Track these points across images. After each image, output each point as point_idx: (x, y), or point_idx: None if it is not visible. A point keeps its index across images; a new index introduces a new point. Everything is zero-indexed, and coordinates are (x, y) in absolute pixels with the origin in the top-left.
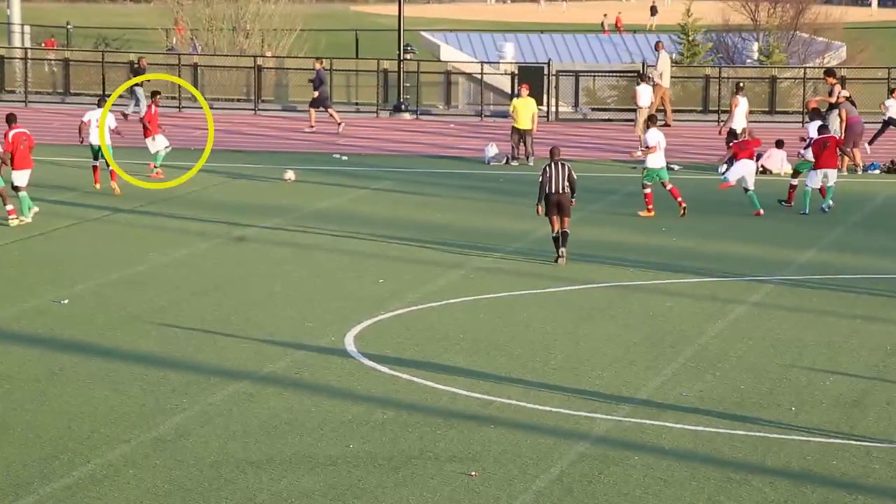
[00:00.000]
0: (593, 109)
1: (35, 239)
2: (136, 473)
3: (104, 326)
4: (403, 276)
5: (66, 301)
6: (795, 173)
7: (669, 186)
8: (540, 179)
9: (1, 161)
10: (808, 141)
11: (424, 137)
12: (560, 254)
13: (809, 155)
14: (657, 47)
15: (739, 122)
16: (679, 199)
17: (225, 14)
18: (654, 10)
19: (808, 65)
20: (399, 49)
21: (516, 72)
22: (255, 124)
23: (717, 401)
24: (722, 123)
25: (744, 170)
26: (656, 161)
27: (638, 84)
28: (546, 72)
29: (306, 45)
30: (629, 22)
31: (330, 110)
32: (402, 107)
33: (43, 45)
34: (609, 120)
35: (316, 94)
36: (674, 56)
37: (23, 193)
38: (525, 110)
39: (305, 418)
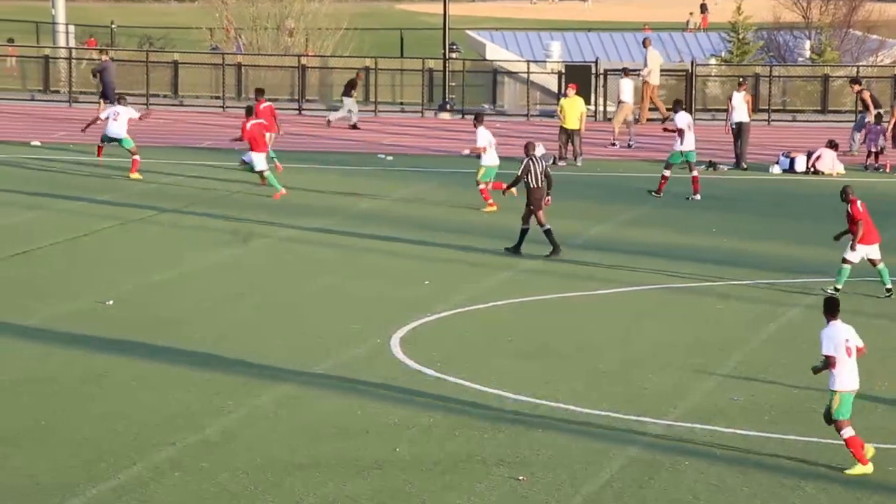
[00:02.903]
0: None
1: (80, 240)
2: (181, 476)
3: (149, 328)
4: (450, 278)
5: (111, 302)
6: None
7: (491, 185)
8: (521, 170)
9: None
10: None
11: (470, 137)
12: (557, 249)
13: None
14: (645, 44)
15: (740, 116)
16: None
17: (269, 13)
18: (704, 8)
19: (861, 63)
20: (444, 48)
21: (563, 71)
22: (299, 124)
23: (769, 405)
24: (727, 122)
25: None
26: (490, 160)
27: (622, 78)
28: (594, 71)
29: (351, 45)
30: (679, 20)
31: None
32: (448, 106)
33: (85, 44)
34: (657, 119)
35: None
36: (723, 54)
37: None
38: (573, 110)
39: (351, 421)
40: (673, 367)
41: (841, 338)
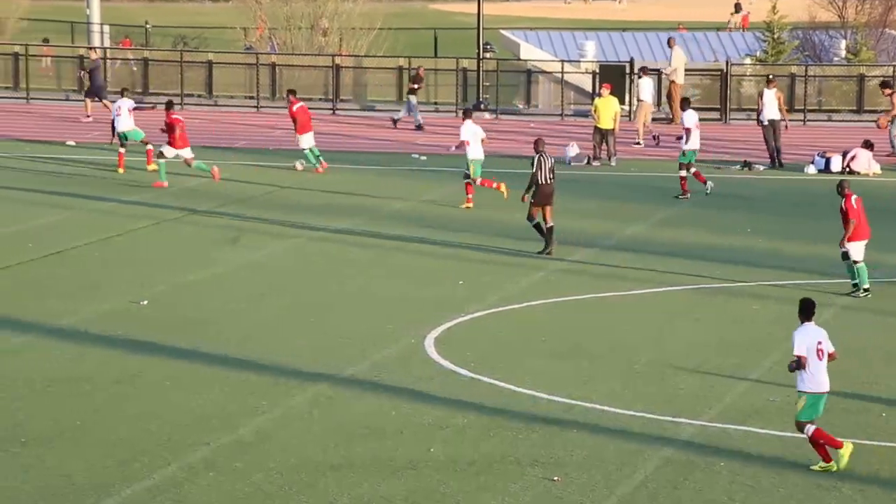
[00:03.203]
0: None
1: (113, 240)
2: (215, 476)
3: (183, 328)
4: (483, 279)
5: (145, 302)
6: None
7: (479, 181)
8: (533, 169)
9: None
10: None
11: (504, 137)
12: (550, 246)
13: None
14: (670, 44)
15: (772, 113)
16: (470, 194)
17: (303, 12)
18: (738, 8)
19: None
20: (478, 48)
21: (598, 71)
22: (333, 123)
23: None
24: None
25: None
26: (475, 153)
27: (640, 77)
28: (628, 70)
29: (385, 44)
30: (711, 19)
31: None
32: (482, 106)
33: (120, 45)
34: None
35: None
36: (758, 54)
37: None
38: (607, 110)
39: (385, 422)
40: (707, 368)
41: (813, 340)
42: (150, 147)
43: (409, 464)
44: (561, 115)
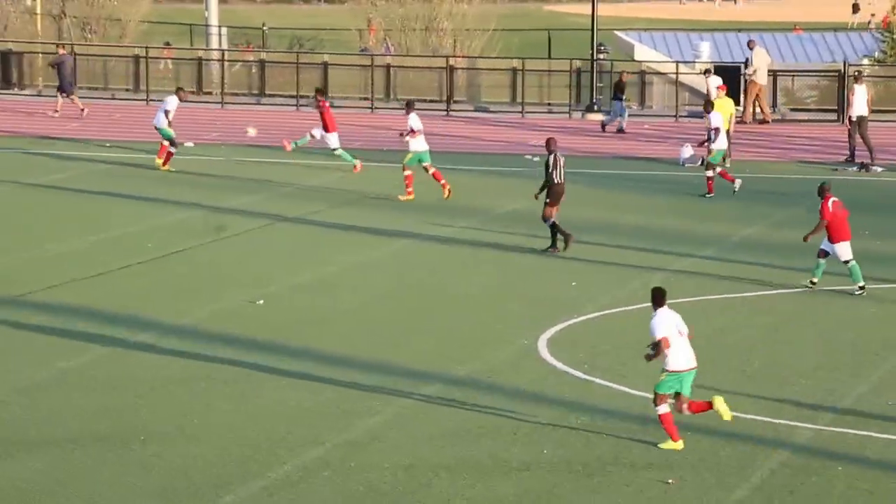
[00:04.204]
0: (792, 110)
1: (229, 240)
2: (330, 476)
3: (297, 327)
4: (596, 280)
5: (261, 301)
6: None
7: (432, 171)
8: (550, 169)
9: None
10: None
11: (618, 138)
12: (563, 242)
13: None
14: (750, 45)
15: (860, 109)
16: (442, 181)
17: (418, 14)
18: (855, 8)
19: None
20: (592, 48)
21: (713, 71)
22: (447, 125)
23: None
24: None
25: None
26: (419, 145)
27: (708, 77)
28: (743, 71)
29: (499, 45)
30: (832, 19)
31: None
32: (595, 107)
33: (245, 46)
34: (809, 121)
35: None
36: (876, 55)
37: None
38: (722, 111)
39: (498, 422)
40: (824, 371)
41: (671, 322)
42: (171, 150)
43: (523, 465)
44: (675, 116)
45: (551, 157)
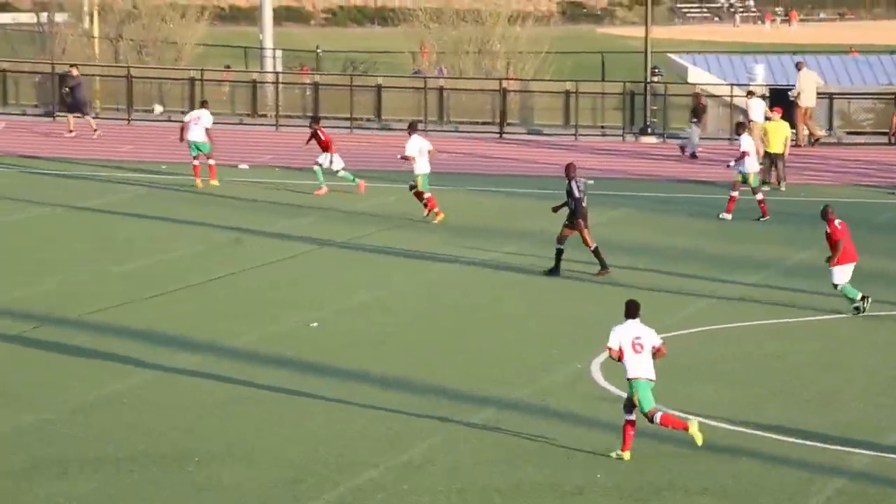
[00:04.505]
0: (848, 133)
1: (281, 263)
2: (384, 498)
3: (351, 350)
4: (648, 304)
5: (315, 324)
6: None
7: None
8: (578, 194)
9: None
10: None
11: (671, 161)
12: (606, 268)
13: None
14: (798, 67)
15: None
16: (424, 201)
17: (471, 37)
18: None
19: None
20: (646, 71)
21: (767, 94)
22: (500, 147)
23: None
24: None
25: None
26: (423, 167)
27: (750, 98)
28: (790, 94)
29: (552, 68)
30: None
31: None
32: (649, 130)
33: (295, 70)
34: (865, 144)
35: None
36: None
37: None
38: (777, 134)
39: (551, 446)
40: (883, 397)
41: (629, 334)
42: (212, 162)
43: (576, 489)
44: (729, 139)
45: (573, 182)
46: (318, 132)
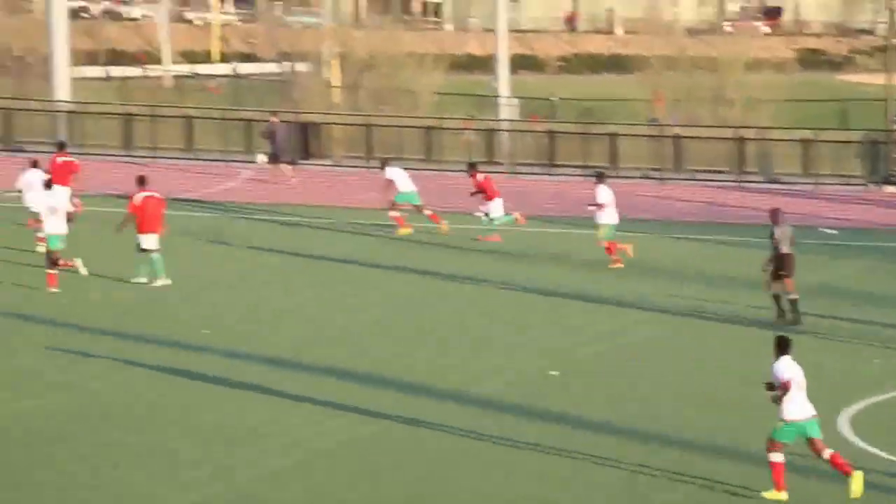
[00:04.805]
0: None
1: (496, 311)
2: None
3: (594, 399)
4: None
5: (556, 373)
6: None
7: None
8: (779, 243)
9: (124, 222)
10: None
11: None
12: (797, 319)
13: None
14: None
15: None
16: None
17: (706, 84)
18: None
19: None
20: (886, 118)
21: None
22: (738, 196)
23: None
24: None
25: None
26: (610, 217)
27: None
28: None
29: (789, 115)
30: None
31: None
32: (893, 178)
33: (530, 119)
34: None
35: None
36: None
37: (156, 256)
38: None
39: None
40: None
41: (795, 369)
42: (430, 212)
43: None
44: None
45: (777, 228)
46: (474, 177)
